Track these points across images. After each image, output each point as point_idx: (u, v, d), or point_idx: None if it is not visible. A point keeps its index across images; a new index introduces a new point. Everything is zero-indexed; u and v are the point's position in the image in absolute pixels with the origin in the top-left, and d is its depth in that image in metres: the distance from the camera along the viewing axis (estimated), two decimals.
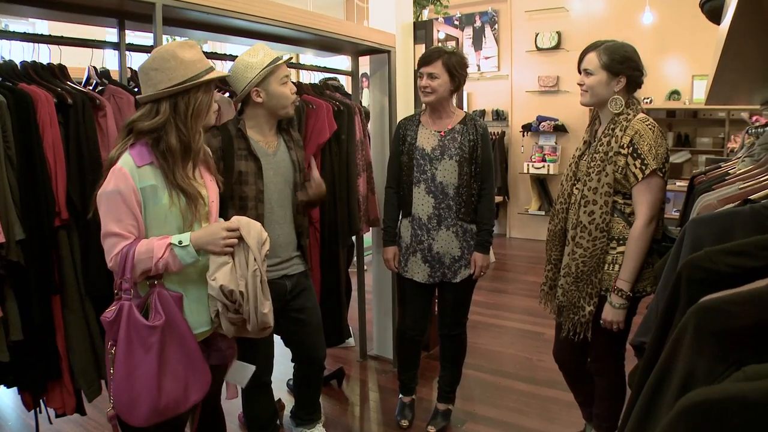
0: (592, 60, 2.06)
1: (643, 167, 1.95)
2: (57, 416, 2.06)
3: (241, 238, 1.73)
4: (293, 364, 2.60)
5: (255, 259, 1.74)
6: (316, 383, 2.61)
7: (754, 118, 4.96)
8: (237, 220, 1.76)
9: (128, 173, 1.60)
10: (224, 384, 2.16)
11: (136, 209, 1.62)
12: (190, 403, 1.69)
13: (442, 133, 2.55)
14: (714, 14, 1.42)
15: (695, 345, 0.62)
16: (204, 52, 2.53)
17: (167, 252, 1.60)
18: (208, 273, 1.69)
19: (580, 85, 2.11)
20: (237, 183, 2.17)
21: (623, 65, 2.02)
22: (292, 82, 2.31)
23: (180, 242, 1.62)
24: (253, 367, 2.02)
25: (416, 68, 2.57)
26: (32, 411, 2.01)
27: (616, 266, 2.03)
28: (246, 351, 2.14)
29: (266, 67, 2.14)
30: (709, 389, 0.50)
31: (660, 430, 0.50)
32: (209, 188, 1.82)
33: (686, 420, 0.48)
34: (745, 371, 0.52)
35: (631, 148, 1.97)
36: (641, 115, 2.02)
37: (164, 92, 1.64)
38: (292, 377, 2.75)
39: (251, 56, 2.16)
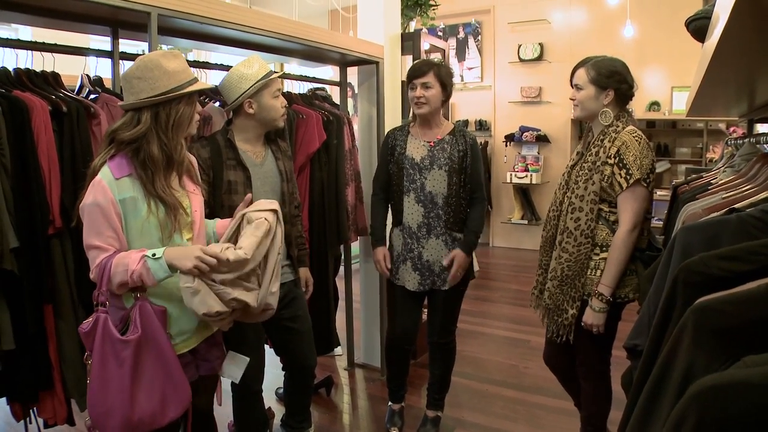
0: (581, 75, 2.14)
1: (628, 177, 2.02)
2: (46, 426, 2.05)
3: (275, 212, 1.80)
4: (283, 372, 2.61)
5: (281, 236, 1.79)
6: (306, 391, 2.62)
7: (732, 129, 5.10)
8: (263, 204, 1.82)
9: (107, 186, 1.58)
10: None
11: (116, 222, 1.60)
12: (168, 418, 1.66)
13: (432, 144, 2.60)
14: (699, 33, 1.48)
15: (694, 341, 0.66)
16: (190, 61, 2.56)
17: (140, 264, 1.57)
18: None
19: (572, 99, 2.18)
20: (227, 193, 2.19)
21: (610, 79, 2.09)
22: (283, 93, 2.34)
23: (154, 255, 1.58)
24: (246, 359, 2.00)
25: (407, 80, 2.61)
26: (21, 421, 1.99)
27: (599, 271, 2.10)
28: None
29: (261, 79, 2.17)
30: (717, 375, 0.55)
31: (673, 413, 0.55)
32: (192, 198, 1.81)
33: (698, 403, 0.53)
34: (745, 361, 0.57)
35: (617, 158, 2.04)
36: (630, 127, 2.09)
37: (146, 101, 1.63)
38: (282, 386, 2.75)
39: (246, 67, 2.19)
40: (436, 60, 2.62)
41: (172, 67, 1.66)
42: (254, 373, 2.36)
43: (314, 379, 2.65)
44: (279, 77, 2.27)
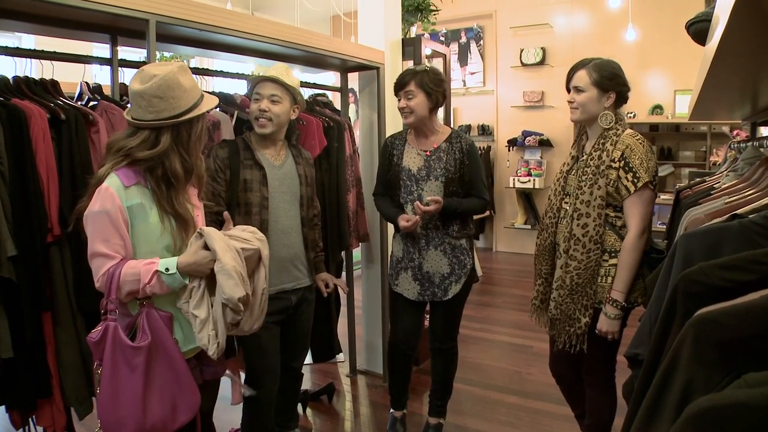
0: (582, 77, 2.10)
1: (635, 180, 1.99)
2: None
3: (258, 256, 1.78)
4: None
5: (266, 277, 1.78)
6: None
7: (735, 132, 5.07)
8: (256, 239, 1.79)
9: (115, 193, 1.59)
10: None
11: (123, 229, 1.61)
12: (179, 423, 1.67)
13: (428, 153, 2.57)
14: (699, 35, 1.47)
15: (694, 355, 0.64)
16: (192, 68, 2.57)
17: (154, 279, 1.59)
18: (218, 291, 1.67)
19: (570, 102, 2.15)
20: (242, 190, 2.26)
21: (612, 81, 2.07)
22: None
23: (167, 269, 1.60)
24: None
25: (394, 92, 2.58)
26: (20, 430, 1.99)
27: (609, 278, 2.06)
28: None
29: (254, 83, 2.27)
30: (716, 396, 0.53)
31: None
32: (195, 211, 1.84)
33: (695, 424, 0.51)
34: (745, 379, 0.55)
35: (622, 162, 2.02)
36: (630, 131, 2.07)
37: (169, 122, 1.62)
38: None
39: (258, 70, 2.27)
40: (419, 68, 2.56)
41: (188, 85, 1.67)
42: (271, 379, 2.37)
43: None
44: (264, 80, 2.26)
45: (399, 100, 2.54)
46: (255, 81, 2.30)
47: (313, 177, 2.52)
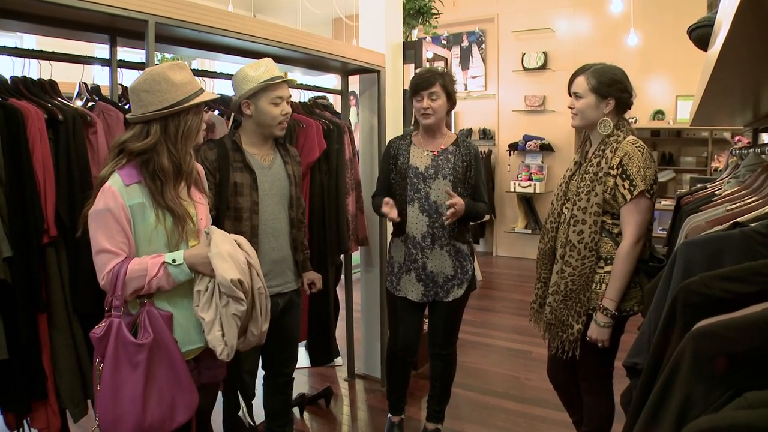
0: (581, 83, 2.09)
1: (632, 188, 1.98)
2: None
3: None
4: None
5: (258, 275, 1.77)
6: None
7: (737, 138, 5.06)
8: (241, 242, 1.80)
9: (117, 192, 1.62)
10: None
11: (127, 227, 1.64)
12: (176, 423, 1.68)
13: (435, 153, 2.57)
14: (701, 41, 1.45)
15: (693, 369, 0.62)
16: (193, 70, 2.55)
17: (161, 270, 1.63)
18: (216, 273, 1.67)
19: (570, 108, 2.14)
20: (232, 194, 2.22)
21: (611, 88, 2.05)
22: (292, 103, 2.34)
23: (174, 261, 1.65)
24: None
25: (412, 90, 2.54)
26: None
27: (603, 285, 2.05)
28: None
29: (262, 82, 2.18)
30: (715, 417, 0.51)
31: None
32: (198, 208, 1.85)
33: None
34: (747, 398, 0.53)
35: (620, 169, 2.00)
36: (631, 137, 2.05)
37: (155, 114, 1.67)
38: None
39: (252, 69, 2.21)
40: (439, 69, 2.58)
41: (179, 79, 1.70)
42: (251, 378, 2.35)
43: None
44: (282, 83, 2.23)
45: (420, 100, 2.50)
46: (273, 83, 2.19)
47: (300, 175, 2.49)
